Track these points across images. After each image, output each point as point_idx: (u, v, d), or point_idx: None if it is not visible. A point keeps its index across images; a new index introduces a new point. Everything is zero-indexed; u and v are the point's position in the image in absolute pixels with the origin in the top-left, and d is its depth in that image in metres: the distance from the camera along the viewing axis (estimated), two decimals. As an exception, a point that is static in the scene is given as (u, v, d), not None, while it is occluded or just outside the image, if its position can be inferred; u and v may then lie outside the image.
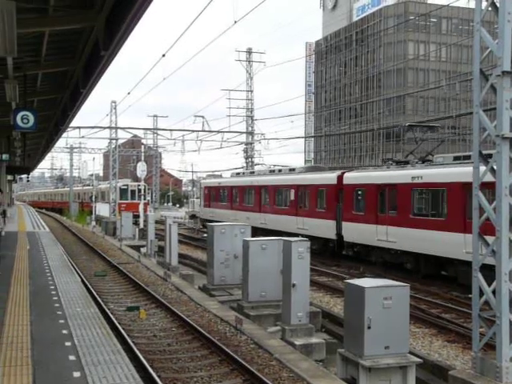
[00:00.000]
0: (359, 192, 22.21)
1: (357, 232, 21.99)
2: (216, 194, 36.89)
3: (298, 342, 11.14)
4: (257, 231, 26.14)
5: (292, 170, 29.58)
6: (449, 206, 18.00)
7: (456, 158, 19.19)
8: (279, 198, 28.53)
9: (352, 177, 23.13)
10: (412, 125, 24.27)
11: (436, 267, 18.89)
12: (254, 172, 36.84)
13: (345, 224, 22.84)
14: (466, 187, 16.56)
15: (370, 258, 21.67)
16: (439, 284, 18.29)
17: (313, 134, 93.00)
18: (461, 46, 77.22)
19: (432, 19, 78.95)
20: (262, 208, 30.00)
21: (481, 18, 8.67)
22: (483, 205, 8.78)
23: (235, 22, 17.77)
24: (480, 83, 8.81)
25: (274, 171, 32.39)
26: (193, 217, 46.65)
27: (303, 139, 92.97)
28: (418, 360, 9.16)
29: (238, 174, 38.15)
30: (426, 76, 79.10)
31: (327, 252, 24.41)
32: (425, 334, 12.92)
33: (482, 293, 8.76)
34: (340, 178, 23.61)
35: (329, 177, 24.80)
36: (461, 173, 17.29)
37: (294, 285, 11.57)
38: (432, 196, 18.99)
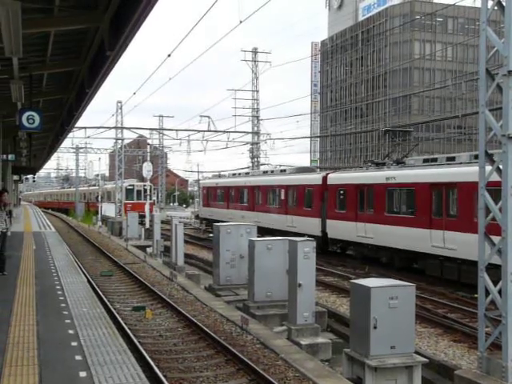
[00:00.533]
0: (341, 192, 23.69)
1: (339, 229, 23.46)
2: (214, 194, 38.35)
3: (304, 341, 11.12)
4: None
5: (283, 171, 31.27)
6: (417, 204, 19.40)
7: (425, 161, 20.76)
8: (271, 197, 30.07)
9: (335, 177, 24.75)
10: (388, 129, 26.95)
11: (408, 261, 20.20)
12: (248, 173, 38.26)
13: (329, 222, 24.30)
14: (432, 187, 18.59)
15: (351, 253, 23.15)
16: (445, 284, 18.24)
17: (318, 134, 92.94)
18: (467, 45, 77.02)
19: (438, 19, 78.74)
20: (255, 207, 31.43)
21: (487, 17, 8.63)
22: (489, 205, 8.75)
23: (241, 21, 17.79)
24: (486, 83, 8.78)
25: (266, 172, 33.99)
26: (198, 217, 46.70)
27: (309, 139, 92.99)
28: (424, 360, 9.14)
29: (234, 174, 39.63)
30: (431, 76, 78.91)
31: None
32: (431, 334, 12.89)
33: (487, 292, 8.73)
34: (325, 178, 25.16)
35: (314, 177, 26.33)
36: (427, 174, 19.02)
37: (299, 285, 11.56)
38: (403, 195, 20.56)
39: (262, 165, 48.69)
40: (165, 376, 8.34)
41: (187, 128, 51.18)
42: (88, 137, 47.08)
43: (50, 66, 13.06)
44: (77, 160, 66.79)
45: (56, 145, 32.35)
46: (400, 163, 21.85)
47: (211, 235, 24.69)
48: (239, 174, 39.22)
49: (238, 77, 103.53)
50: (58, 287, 11.42)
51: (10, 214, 14.13)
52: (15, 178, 42.96)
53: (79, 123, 30.91)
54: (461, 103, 72.72)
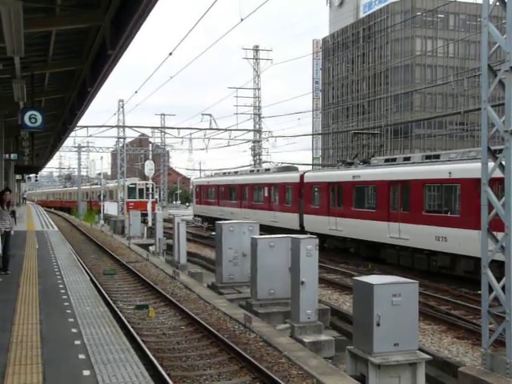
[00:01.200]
0: (316, 189, 26.17)
1: (314, 223, 25.60)
2: (206, 192, 40.91)
3: (307, 339, 11.12)
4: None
5: (267, 170, 33.87)
6: (378, 200, 21.75)
7: (386, 161, 23.06)
8: (256, 195, 32.42)
9: (310, 176, 27.06)
10: (356, 132, 30.57)
11: (372, 251, 22.04)
12: (237, 172, 40.21)
13: (305, 216, 26.57)
14: (390, 184, 20.71)
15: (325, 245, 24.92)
16: (448, 281, 18.24)
17: (320, 132, 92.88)
18: (468, 41, 76.81)
19: (439, 15, 78.58)
20: (243, 204, 33.72)
21: (489, 13, 8.61)
22: (492, 201, 8.74)
23: (242, 19, 17.75)
24: (488, 79, 8.77)
25: (253, 171, 36.66)
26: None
27: (311, 137, 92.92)
28: (428, 357, 9.13)
29: (224, 173, 41.99)
30: (433, 72, 78.79)
31: None
32: (434, 331, 12.88)
33: (491, 289, 8.73)
34: (302, 177, 27.37)
35: (293, 176, 28.51)
36: (386, 173, 21.15)
37: (302, 282, 11.56)
38: (366, 192, 22.83)
39: (263, 162, 48.68)
40: (168, 374, 8.35)
41: (189, 126, 51.29)
42: (90, 136, 47.10)
43: (51, 65, 13.07)
44: (79, 159, 66.95)
45: (58, 144, 32.40)
46: (366, 163, 24.12)
47: (214, 233, 24.73)
48: (229, 172, 41.06)
49: (240, 75, 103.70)
50: (61, 286, 11.44)
51: (13, 213, 14.16)
52: (18, 177, 43.01)
53: (81, 122, 30.96)
54: (463, 99, 72.57)
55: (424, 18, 77.65)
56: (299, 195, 27.20)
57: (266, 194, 30.88)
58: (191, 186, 54.26)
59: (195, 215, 42.77)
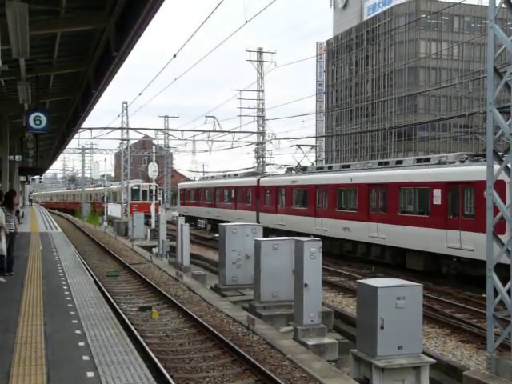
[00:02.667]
0: (268, 191, 31.18)
1: (267, 219, 30.10)
2: (188, 195, 46.74)
3: (311, 342, 11.10)
4: (214, 221, 36.64)
5: (235, 175, 39.77)
6: (307, 200, 26.67)
7: (318, 169, 28.90)
8: (226, 196, 37.66)
9: (264, 181, 32.38)
10: (298, 145, 33.81)
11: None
12: (213, 176, 46.35)
13: (261, 214, 31.52)
14: (316, 188, 26.03)
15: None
16: (452, 284, 18.19)
17: (324, 134, 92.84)
18: (473, 43, 76.70)
19: (444, 17, 78.51)
20: (216, 204, 39.06)
21: (495, 15, 8.60)
22: (497, 204, 8.71)
23: (246, 21, 17.77)
24: (494, 81, 8.75)
25: (225, 176, 42.35)
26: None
27: (314, 139, 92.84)
28: (432, 360, 9.10)
29: (203, 178, 49.06)
30: (437, 74, 78.70)
31: None
32: (438, 334, 12.84)
33: (496, 292, 8.70)
34: (258, 181, 32.62)
35: (252, 180, 33.83)
36: (313, 178, 26.74)
37: (306, 285, 11.54)
38: (300, 193, 28.02)
39: (267, 165, 48.70)
40: (171, 376, 8.35)
41: (192, 128, 51.27)
42: (94, 137, 47.20)
43: (56, 67, 13.10)
44: (83, 161, 66.97)
45: (62, 145, 32.47)
46: (303, 170, 29.71)
47: (217, 235, 24.78)
48: (207, 177, 47.94)
49: (244, 77, 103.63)
50: (65, 287, 11.45)
51: (17, 213, 14.19)
52: (22, 178, 43.08)
53: (85, 124, 31.01)
54: (467, 102, 72.44)
55: (428, 21, 77.60)
56: (256, 196, 32.35)
57: (233, 196, 36.17)
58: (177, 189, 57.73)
59: (179, 215, 46.72)
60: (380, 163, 24.15)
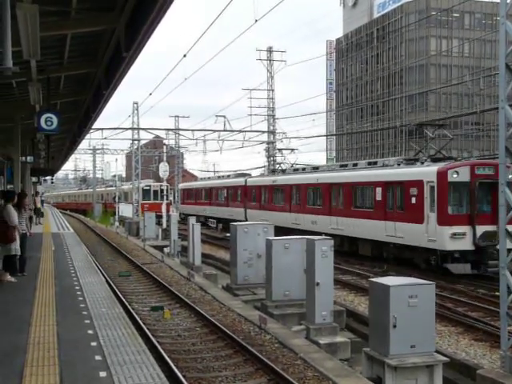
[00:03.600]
0: (253, 191, 34.95)
1: (253, 215, 33.35)
2: (187, 194, 50.30)
3: (323, 341, 11.08)
4: (211, 218, 41.44)
5: (228, 176, 43.38)
6: (284, 198, 30.68)
7: (294, 170, 32.76)
8: (219, 195, 41.26)
9: (250, 181, 36.53)
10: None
11: (286, 234, 27.58)
12: (210, 177, 51.40)
13: (248, 211, 35.33)
14: (291, 187, 29.65)
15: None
16: (465, 282, 18.08)
17: (335, 132, 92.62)
18: (484, 40, 76.15)
19: (454, 14, 77.99)
20: (211, 203, 42.77)
21: (506, 11, 8.52)
22: (510, 200, 8.64)
23: (256, 20, 17.75)
24: (506, 78, 8.67)
25: (219, 177, 46.51)
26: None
27: (325, 137, 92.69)
28: (445, 359, 9.05)
29: (201, 179, 54.48)
30: (448, 72, 78.22)
31: None
32: (451, 333, 12.76)
33: (509, 290, 8.63)
34: (245, 181, 36.74)
35: (240, 180, 37.85)
36: (288, 178, 30.78)
37: (317, 283, 11.52)
38: (278, 192, 31.54)
39: (278, 164, 48.56)
40: (184, 376, 8.36)
41: (203, 128, 51.26)
42: (105, 138, 47.22)
43: (67, 68, 13.14)
44: (94, 161, 67.41)
45: (73, 146, 32.58)
46: (283, 171, 33.97)
47: (228, 235, 24.82)
48: (203, 178, 53.53)
49: (254, 76, 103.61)
50: (77, 287, 11.49)
51: (30, 219, 14.27)
52: (34, 179, 43.34)
53: (96, 124, 31.04)
54: (478, 99, 71.98)
55: (439, 18, 77.14)
56: (245, 195, 36.09)
57: (225, 195, 39.78)
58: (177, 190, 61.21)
59: (180, 213, 49.32)
60: (341, 165, 28.87)
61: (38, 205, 32.84)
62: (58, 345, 7.23)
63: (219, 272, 21.92)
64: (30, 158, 28.46)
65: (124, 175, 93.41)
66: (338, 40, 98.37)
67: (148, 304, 14.29)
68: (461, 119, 72.02)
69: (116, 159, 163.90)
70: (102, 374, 6.14)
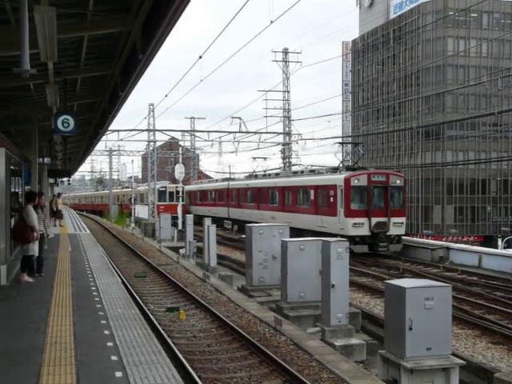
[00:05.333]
0: (233, 192, 41.37)
1: (235, 213, 40.04)
2: (192, 196, 53.51)
3: (338, 342, 11.04)
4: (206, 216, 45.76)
5: (217, 180, 50.71)
6: (254, 198, 36.99)
7: (264, 175, 39.21)
8: (210, 197, 47.43)
9: (231, 184, 42.87)
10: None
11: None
12: (202, 182, 57.21)
13: (230, 209, 41.53)
14: (259, 190, 36.36)
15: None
16: (482, 284, 17.92)
17: (350, 134, 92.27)
18: (503, 40, 75.40)
19: (472, 14, 77.30)
20: (203, 203, 48.82)
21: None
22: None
23: (271, 21, 17.78)
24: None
25: (210, 181, 53.58)
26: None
27: (341, 139, 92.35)
28: (462, 362, 8.97)
29: (195, 182, 59.63)
30: (466, 72, 77.51)
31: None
32: (468, 336, 12.65)
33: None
34: (228, 184, 43.17)
35: (225, 184, 44.23)
36: (255, 183, 38.03)
37: (333, 285, 11.49)
38: (251, 193, 37.86)
39: (293, 165, 48.53)
40: (199, 376, 8.37)
41: (219, 129, 51.40)
42: (121, 139, 47.78)
43: (83, 70, 13.23)
44: (110, 162, 67.73)
45: (90, 148, 32.81)
46: (256, 176, 39.98)
47: (243, 236, 24.86)
48: (202, 181, 57.82)
49: (269, 77, 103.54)
50: (94, 288, 11.57)
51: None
52: (51, 180, 43.70)
53: (112, 126, 31.24)
54: (496, 100, 71.24)
55: (456, 18, 76.51)
56: (227, 196, 42.44)
57: (213, 196, 46.39)
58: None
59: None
60: (293, 172, 36.63)
61: (60, 206, 32.89)
62: (74, 345, 7.28)
63: (234, 273, 21.93)
64: (47, 160, 28.72)
65: (140, 176, 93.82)
66: (354, 41, 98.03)
67: (164, 305, 14.34)
68: (478, 120, 71.34)
69: (132, 161, 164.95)
70: (118, 374, 6.18)
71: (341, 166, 29.35)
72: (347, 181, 25.03)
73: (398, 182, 25.77)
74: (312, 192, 28.32)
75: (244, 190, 39.22)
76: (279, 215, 31.96)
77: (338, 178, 25.79)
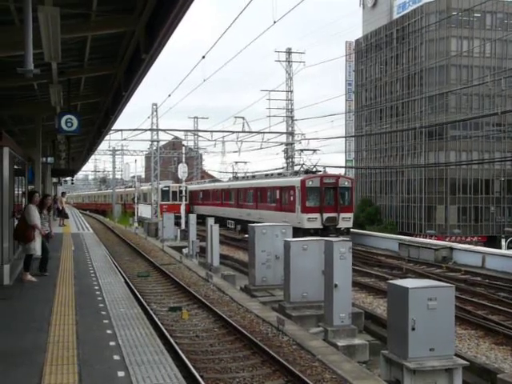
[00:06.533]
0: (218, 192, 45.99)
1: (217, 211, 43.81)
2: (194, 196, 55.38)
3: (341, 343, 11.04)
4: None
5: (204, 182, 56.02)
6: (235, 197, 41.44)
7: (246, 178, 43.68)
8: (204, 197, 50.85)
9: (217, 185, 48.41)
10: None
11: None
12: (192, 183, 61.15)
13: (215, 208, 45.38)
14: (238, 190, 41.14)
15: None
16: (485, 285, 17.89)
17: (353, 134, 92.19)
18: (506, 40, 75.23)
19: (476, 14, 77.11)
20: (197, 203, 52.23)
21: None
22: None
23: (274, 21, 17.78)
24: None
25: (198, 183, 58.96)
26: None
27: (344, 139, 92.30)
28: (465, 362, 8.95)
29: (198, 182, 63.22)
30: (469, 72, 77.36)
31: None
32: (471, 336, 12.64)
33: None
34: (214, 186, 48.58)
35: (211, 185, 49.57)
36: (232, 184, 43.38)
37: (336, 285, 11.48)
38: (232, 193, 42.27)
39: (296, 165, 48.47)
40: (201, 376, 8.37)
41: (222, 129, 51.40)
42: (124, 139, 47.65)
43: (87, 70, 13.26)
44: (113, 162, 67.87)
45: (93, 147, 32.86)
46: (236, 178, 46.33)
47: (246, 236, 24.89)
48: (198, 182, 62.22)
49: (273, 77, 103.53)
50: (96, 287, 11.58)
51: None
52: (54, 180, 43.78)
53: (115, 126, 31.34)
54: (500, 100, 71.07)
55: (459, 18, 76.34)
56: (213, 196, 47.68)
57: (201, 196, 51.72)
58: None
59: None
60: (266, 175, 40.37)
61: (64, 205, 32.86)
62: (77, 344, 7.29)
63: (237, 273, 21.95)
64: (50, 159, 28.76)
65: (143, 176, 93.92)
66: (357, 41, 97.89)
67: (166, 304, 14.35)
68: (482, 120, 71.19)
69: (135, 160, 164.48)
70: (121, 373, 6.18)
71: (301, 169, 33.43)
72: (303, 182, 29.60)
73: (347, 183, 30.41)
74: (278, 192, 33.18)
75: (226, 190, 43.79)
76: (253, 212, 36.84)
77: (296, 180, 30.52)
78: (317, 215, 28.79)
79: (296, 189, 30.01)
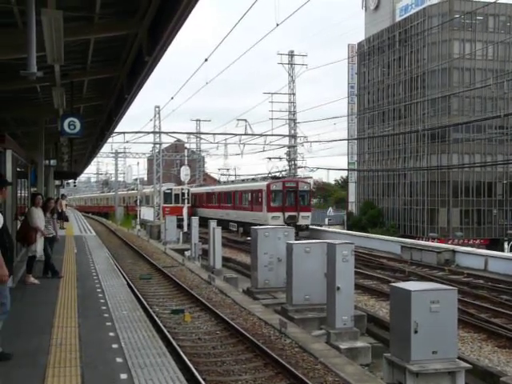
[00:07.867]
0: (204, 195, 50.92)
1: (203, 212, 48.03)
2: (196, 198, 58.00)
3: (343, 345, 11.02)
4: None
5: (196, 187, 58.19)
6: (218, 200, 46.36)
7: (232, 182, 48.90)
8: (201, 200, 52.94)
9: (207, 188, 52.29)
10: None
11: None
12: (201, 185, 64.95)
13: (206, 210, 48.86)
14: (221, 193, 46.21)
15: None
16: (488, 287, 17.86)
17: (356, 136, 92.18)
18: (508, 43, 75.19)
19: (478, 17, 77.08)
20: (201, 205, 53.30)
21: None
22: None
23: (277, 24, 17.79)
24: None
25: (192, 187, 60.29)
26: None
27: (346, 141, 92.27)
28: (468, 365, 8.94)
29: (198, 185, 65.23)
30: (471, 75, 77.31)
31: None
32: (474, 339, 12.61)
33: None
34: (205, 190, 52.06)
35: (202, 188, 53.85)
36: (220, 187, 48.37)
37: (338, 288, 11.47)
38: (216, 196, 47.03)
39: (299, 168, 48.50)
40: (204, 379, 8.37)
41: (224, 132, 51.42)
42: (127, 142, 47.74)
43: (90, 72, 13.26)
44: (116, 164, 67.88)
45: (96, 150, 32.88)
46: (219, 182, 51.82)
47: (249, 238, 24.87)
48: (199, 185, 65.09)
49: (275, 80, 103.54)
50: (99, 290, 11.59)
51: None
52: (57, 182, 43.82)
53: (118, 128, 31.30)
54: (502, 103, 70.99)
55: (462, 21, 76.32)
56: (200, 198, 52.07)
57: (197, 199, 53.86)
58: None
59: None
60: (242, 180, 47.28)
61: (64, 208, 32.91)
62: (79, 346, 7.29)
63: (240, 276, 21.93)
64: (53, 162, 28.80)
65: (146, 179, 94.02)
66: (359, 44, 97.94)
67: (169, 307, 14.35)
68: (484, 123, 71.15)
69: (138, 163, 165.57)
70: (123, 376, 6.19)
71: (269, 175, 39.59)
72: (268, 186, 35.58)
73: (306, 187, 36.45)
74: (249, 195, 38.79)
75: (211, 193, 49.43)
76: (231, 212, 42.30)
77: (263, 185, 36.48)
78: (280, 214, 34.46)
79: (263, 192, 35.77)
